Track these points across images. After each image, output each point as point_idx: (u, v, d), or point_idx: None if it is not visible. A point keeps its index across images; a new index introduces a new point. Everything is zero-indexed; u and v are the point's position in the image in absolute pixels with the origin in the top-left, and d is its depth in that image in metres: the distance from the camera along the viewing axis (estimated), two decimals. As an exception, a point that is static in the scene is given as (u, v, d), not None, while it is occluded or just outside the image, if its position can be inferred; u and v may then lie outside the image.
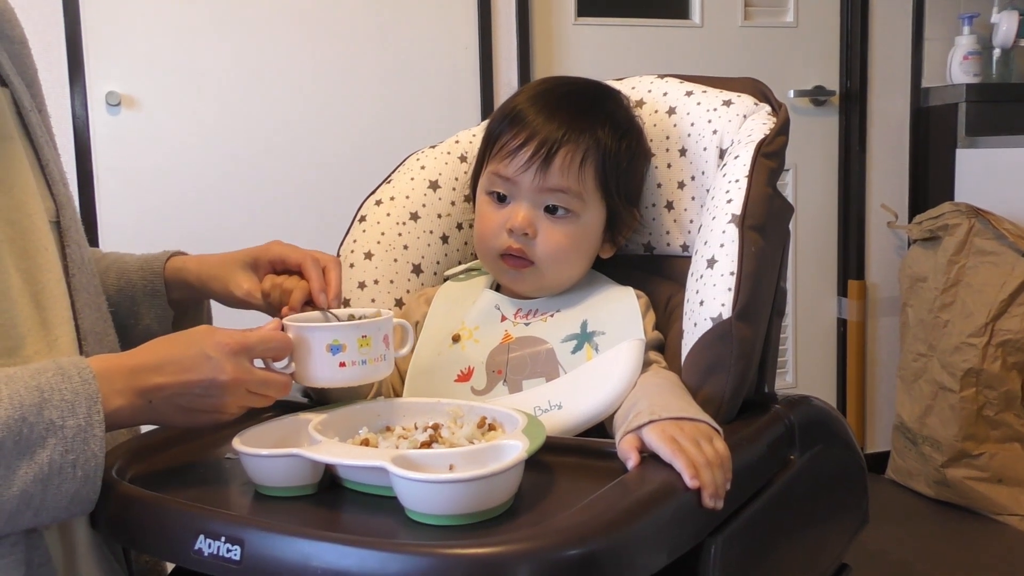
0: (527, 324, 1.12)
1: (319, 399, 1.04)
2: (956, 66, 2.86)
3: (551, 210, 1.09)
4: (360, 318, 0.99)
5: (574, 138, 1.08)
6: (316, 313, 1.01)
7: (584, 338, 1.09)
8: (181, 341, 0.88)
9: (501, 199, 1.12)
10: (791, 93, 2.82)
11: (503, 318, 1.13)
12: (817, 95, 2.87)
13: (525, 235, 1.09)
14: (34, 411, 0.78)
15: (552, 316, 1.12)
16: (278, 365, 0.91)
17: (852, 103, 2.89)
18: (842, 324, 2.99)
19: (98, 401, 0.81)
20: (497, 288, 1.17)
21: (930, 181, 2.93)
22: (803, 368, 2.97)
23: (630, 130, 1.13)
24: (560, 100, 1.11)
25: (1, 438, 0.76)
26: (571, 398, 1.02)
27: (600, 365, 1.04)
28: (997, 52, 2.89)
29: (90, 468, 0.80)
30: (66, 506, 0.81)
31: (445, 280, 1.23)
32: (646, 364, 1.04)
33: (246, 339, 0.87)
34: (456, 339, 1.13)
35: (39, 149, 0.98)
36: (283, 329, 0.93)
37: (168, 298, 1.13)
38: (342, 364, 0.92)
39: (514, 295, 1.15)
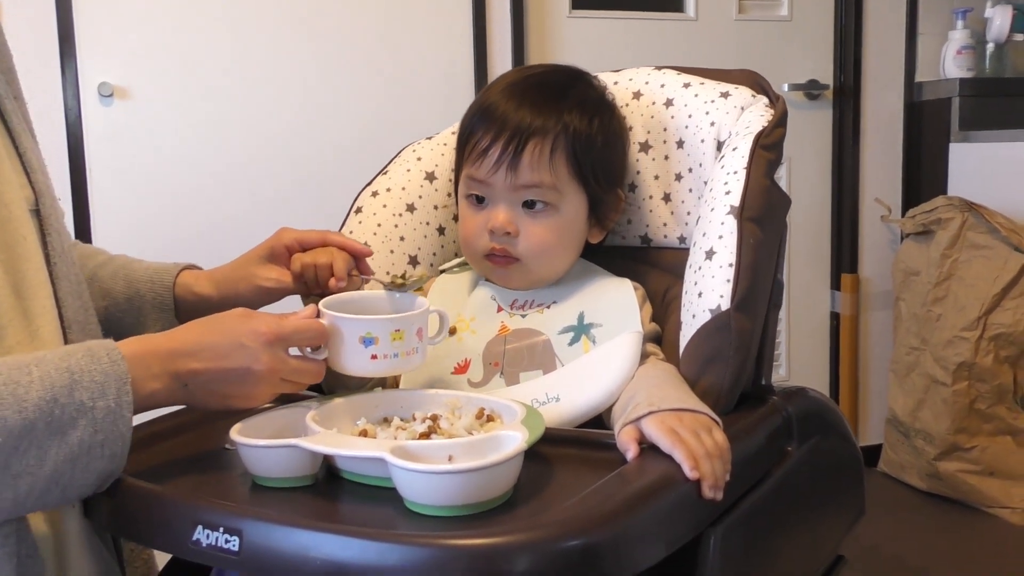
0: (523, 316, 1.12)
1: (329, 387, 1.04)
2: (950, 60, 2.87)
3: (530, 205, 1.09)
4: (405, 279, 1.01)
5: (541, 128, 1.07)
6: (354, 293, 1.01)
7: (581, 330, 1.09)
8: (217, 327, 0.89)
9: (480, 201, 1.11)
10: (785, 86, 2.82)
11: (499, 309, 1.13)
12: (811, 89, 2.87)
13: (507, 235, 1.09)
14: (65, 392, 0.79)
15: (548, 308, 1.12)
16: (310, 350, 0.92)
17: (846, 97, 2.89)
18: (835, 318, 2.99)
19: (127, 383, 0.82)
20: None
21: (923, 175, 2.94)
22: (796, 361, 2.98)
23: (601, 109, 1.12)
24: (527, 90, 1.11)
25: (33, 419, 0.77)
26: (569, 390, 1.01)
27: (598, 358, 1.03)
28: (990, 47, 2.90)
29: (117, 448, 0.81)
30: (93, 483, 0.82)
31: (440, 273, 1.22)
32: (644, 356, 1.04)
33: (282, 328, 0.89)
34: (452, 331, 1.13)
35: (16, 137, 0.97)
36: (319, 315, 0.94)
37: (176, 312, 1.13)
38: (374, 356, 0.93)
39: (504, 286, 1.15)
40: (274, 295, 1.10)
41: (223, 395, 0.88)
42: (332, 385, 1.03)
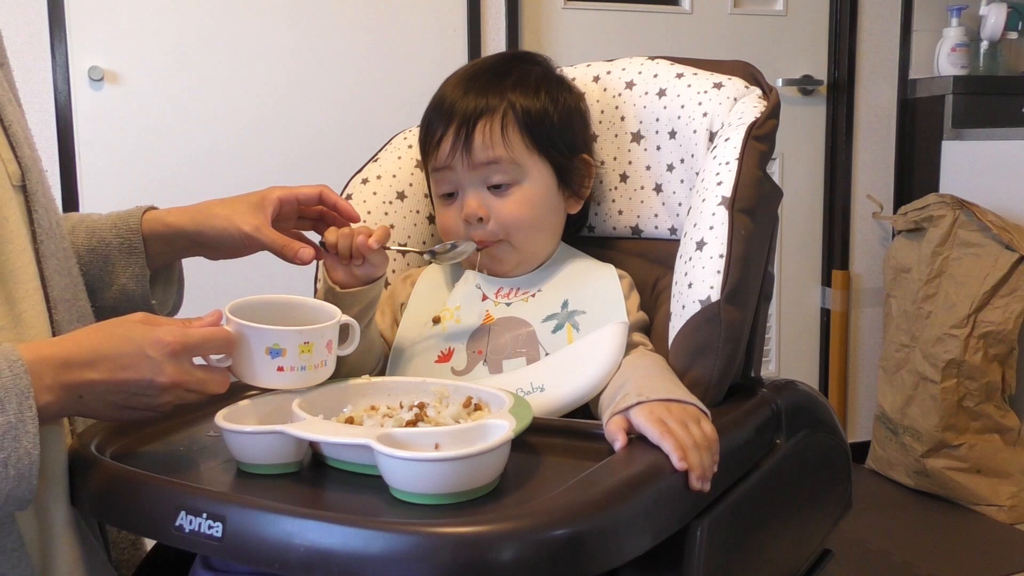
0: (508, 304, 1.11)
1: None
2: (944, 58, 2.87)
3: (497, 188, 1.09)
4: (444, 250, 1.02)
5: (486, 107, 1.08)
6: (264, 299, 0.95)
7: (565, 317, 1.08)
8: (118, 335, 0.83)
9: (451, 196, 1.12)
10: (779, 82, 2.82)
11: (484, 297, 1.13)
12: (805, 84, 2.87)
13: (480, 220, 1.09)
14: None
15: (533, 296, 1.11)
16: (214, 357, 0.88)
17: (840, 93, 2.89)
18: (825, 314, 3.00)
19: (30, 396, 0.76)
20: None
21: (915, 172, 2.94)
22: (786, 357, 2.98)
23: (545, 82, 1.13)
24: (471, 78, 1.12)
25: None
26: (553, 381, 1.01)
27: (583, 348, 1.03)
28: (985, 44, 2.90)
29: (23, 467, 0.76)
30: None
31: (434, 256, 1.18)
32: (632, 345, 1.03)
33: (188, 338, 0.83)
34: (437, 320, 1.12)
35: (1, 109, 0.93)
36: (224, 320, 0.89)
37: (147, 255, 1.08)
38: (280, 368, 0.89)
39: (495, 274, 1.14)
40: (244, 242, 1.03)
41: (121, 406, 0.83)
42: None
